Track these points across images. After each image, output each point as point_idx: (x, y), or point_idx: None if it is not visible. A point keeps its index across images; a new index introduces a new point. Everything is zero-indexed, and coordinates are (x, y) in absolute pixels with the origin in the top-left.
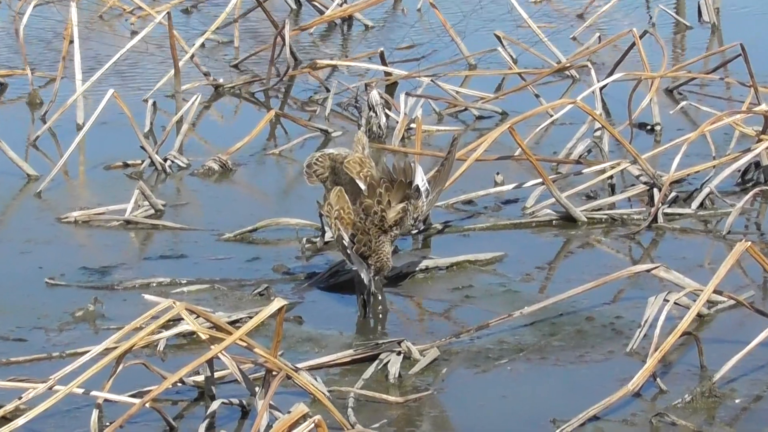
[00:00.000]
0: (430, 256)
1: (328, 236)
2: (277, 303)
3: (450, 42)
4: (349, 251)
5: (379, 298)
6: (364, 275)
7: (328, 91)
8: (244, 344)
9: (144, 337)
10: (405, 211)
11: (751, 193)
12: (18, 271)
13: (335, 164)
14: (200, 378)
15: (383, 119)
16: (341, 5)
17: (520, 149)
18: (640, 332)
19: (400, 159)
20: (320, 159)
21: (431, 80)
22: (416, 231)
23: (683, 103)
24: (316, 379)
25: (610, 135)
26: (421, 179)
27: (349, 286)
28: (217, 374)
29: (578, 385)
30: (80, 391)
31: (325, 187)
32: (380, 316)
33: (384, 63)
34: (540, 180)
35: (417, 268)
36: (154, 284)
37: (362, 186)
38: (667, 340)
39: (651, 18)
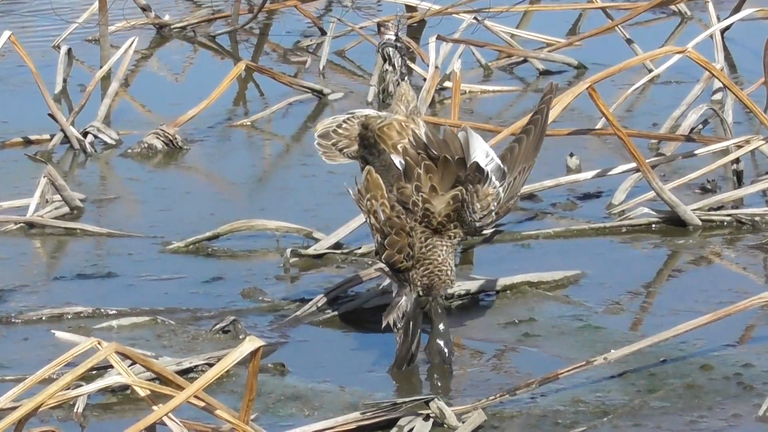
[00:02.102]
0: (473, 275)
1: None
2: (249, 344)
3: None
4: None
5: (440, 328)
6: (402, 298)
7: (323, 33)
8: (202, 404)
9: (55, 393)
10: (459, 202)
11: None
12: None
13: (367, 133)
14: None
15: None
16: None
17: (603, 119)
18: None
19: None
20: (346, 125)
21: (474, 18)
22: (491, 232)
23: None
24: None
25: (735, 99)
26: (483, 155)
27: (354, 320)
28: None
29: None
30: None
31: (360, 166)
32: (437, 362)
33: None
34: (633, 165)
35: (454, 293)
36: (70, 315)
37: (398, 164)
38: None
39: None
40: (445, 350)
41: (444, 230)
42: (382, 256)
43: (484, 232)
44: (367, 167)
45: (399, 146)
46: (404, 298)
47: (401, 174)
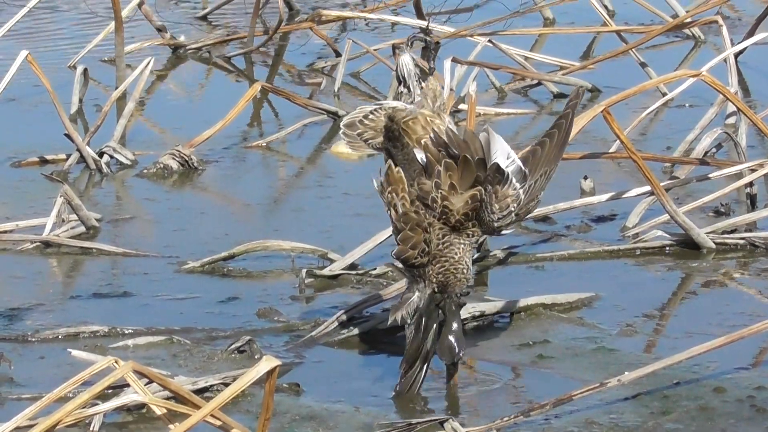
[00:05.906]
0: (486, 296)
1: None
2: (266, 364)
3: None
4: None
5: (453, 326)
6: (415, 294)
7: (338, 55)
8: (218, 423)
9: (72, 412)
10: (478, 201)
11: None
12: None
13: (392, 125)
14: None
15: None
16: None
17: (618, 142)
18: None
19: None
20: (372, 116)
21: (489, 41)
22: (507, 232)
23: None
24: None
25: (749, 123)
26: (504, 156)
27: (370, 340)
28: None
29: None
30: None
31: (384, 158)
32: (446, 361)
33: (420, 15)
34: (647, 188)
35: (468, 315)
36: (86, 334)
37: (420, 158)
38: None
39: None
40: (456, 348)
41: (462, 228)
42: (393, 252)
43: (504, 232)
44: (388, 162)
45: (423, 141)
46: (416, 294)
47: (422, 169)
